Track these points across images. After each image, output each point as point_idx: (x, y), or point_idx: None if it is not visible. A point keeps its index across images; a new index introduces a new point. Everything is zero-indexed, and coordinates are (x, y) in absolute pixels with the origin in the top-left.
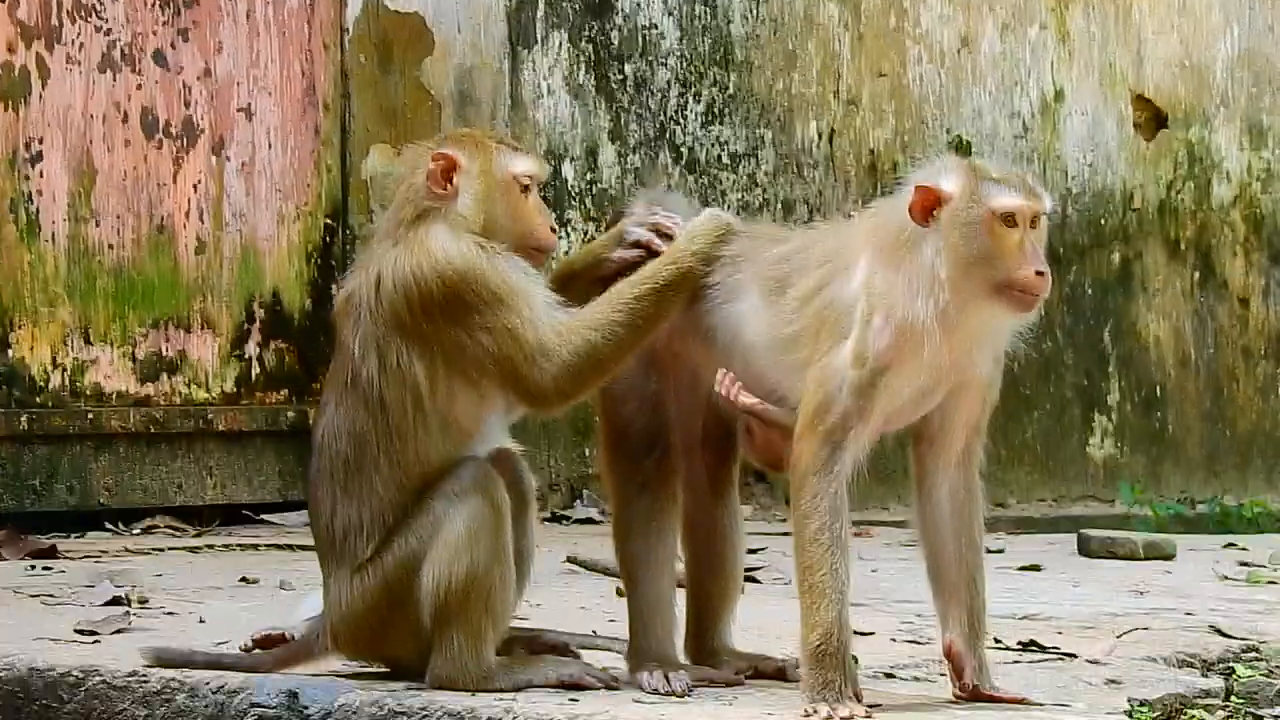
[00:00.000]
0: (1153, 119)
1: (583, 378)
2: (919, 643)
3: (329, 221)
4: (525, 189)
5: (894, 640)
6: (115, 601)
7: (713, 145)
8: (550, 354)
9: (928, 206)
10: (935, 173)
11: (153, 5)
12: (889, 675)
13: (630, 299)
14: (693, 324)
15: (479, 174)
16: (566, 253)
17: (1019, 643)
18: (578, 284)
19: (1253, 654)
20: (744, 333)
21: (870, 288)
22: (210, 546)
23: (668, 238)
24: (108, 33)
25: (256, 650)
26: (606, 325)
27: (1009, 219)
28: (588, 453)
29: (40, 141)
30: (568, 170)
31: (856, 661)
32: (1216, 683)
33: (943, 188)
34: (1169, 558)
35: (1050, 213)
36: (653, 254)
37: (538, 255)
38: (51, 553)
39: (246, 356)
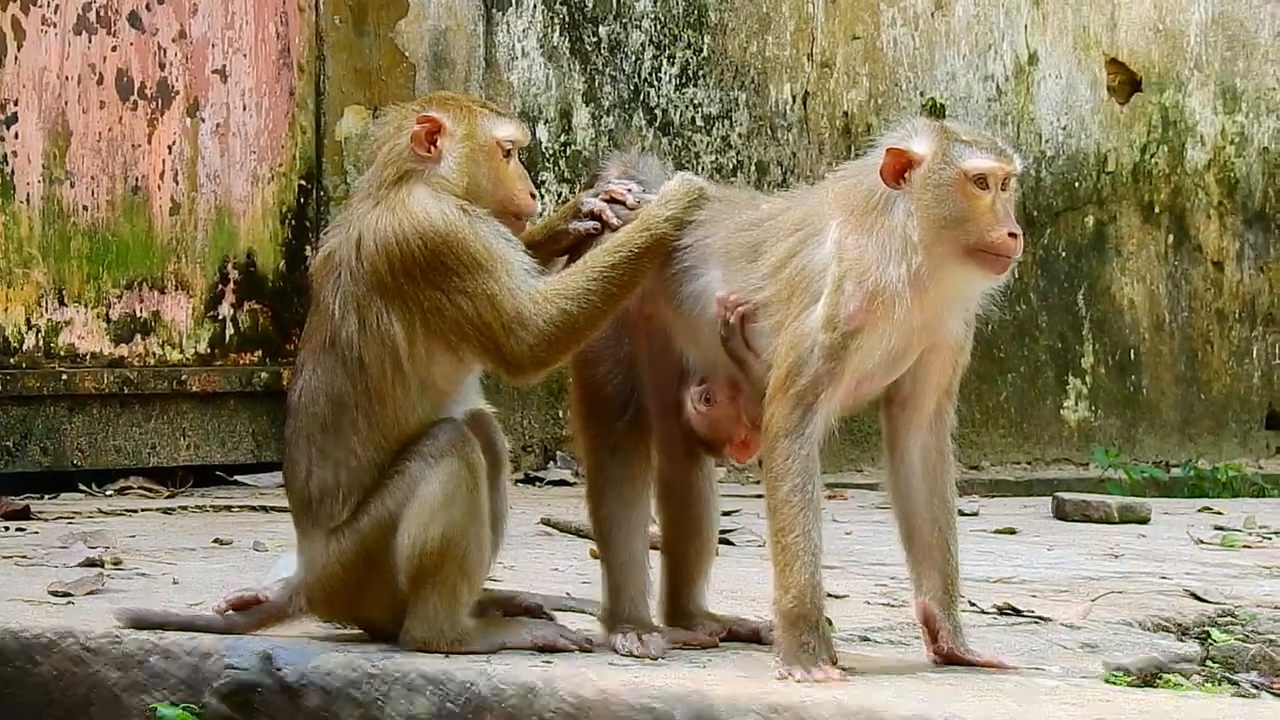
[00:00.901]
0: (1126, 82)
1: (559, 345)
2: (894, 605)
3: (303, 183)
4: (507, 154)
5: (868, 603)
6: (89, 563)
7: (687, 107)
8: (527, 323)
9: (899, 169)
10: (906, 135)
11: None
12: (864, 639)
13: (604, 266)
14: (665, 289)
15: (463, 138)
16: (542, 214)
17: (994, 606)
18: (539, 256)
19: (1228, 618)
20: (714, 300)
21: (842, 251)
22: (184, 508)
23: (623, 205)
24: None
25: (231, 612)
26: (581, 293)
27: (980, 180)
28: (561, 414)
29: (15, 103)
30: (542, 132)
31: (831, 624)
32: (1192, 647)
33: (914, 150)
34: (1144, 521)
35: (1021, 174)
36: (607, 225)
37: (517, 221)
38: (25, 514)
39: (220, 318)
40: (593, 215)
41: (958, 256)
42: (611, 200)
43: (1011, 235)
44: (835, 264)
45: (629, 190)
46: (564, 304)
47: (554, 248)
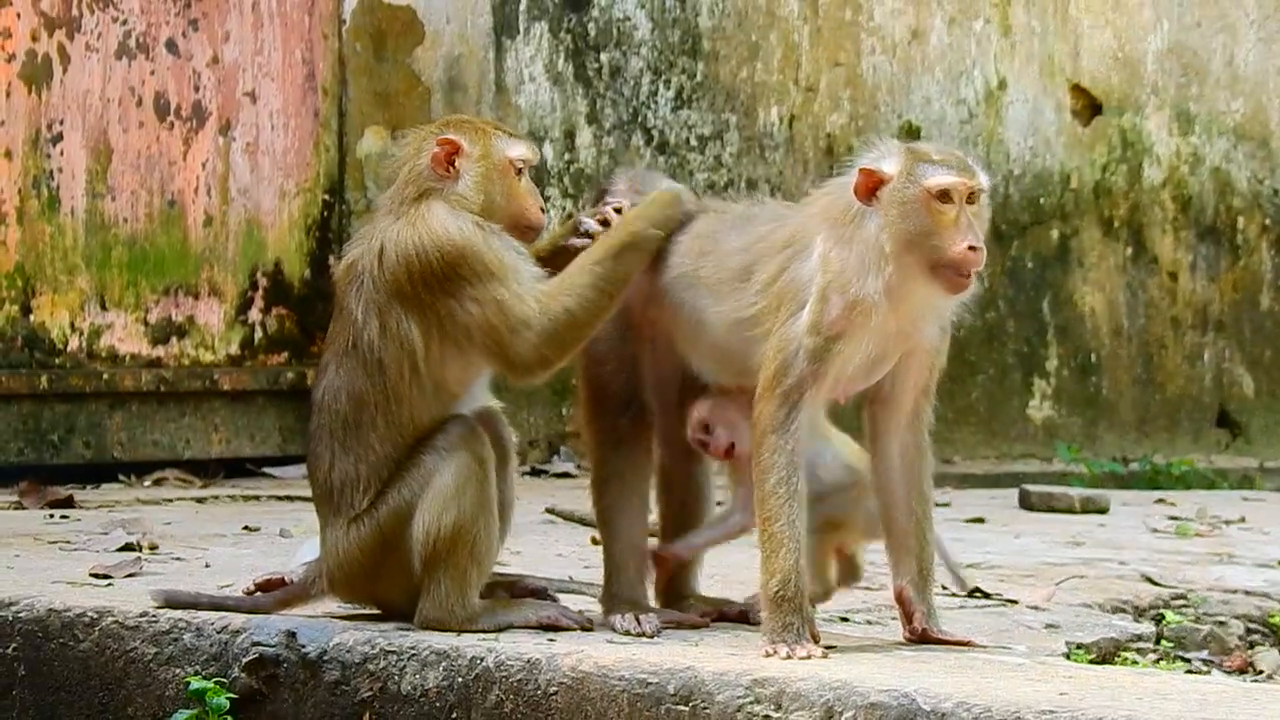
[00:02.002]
0: (1088, 107)
1: (562, 343)
2: (871, 589)
3: (327, 197)
4: (519, 172)
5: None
6: (127, 548)
7: (682, 128)
8: (532, 324)
9: (871, 187)
10: (878, 156)
11: None
12: (844, 619)
13: (593, 264)
14: (665, 299)
15: (479, 158)
16: (549, 227)
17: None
18: (544, 269)
19: (1181, 601)
20: (708, 314)
21: (826, 263)
22: (215, 497)
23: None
24: (124, 23)
25: (258, 593)
26: (578, 292)
27: (944, 196)
28: (565, 411)
29: (61, 123)
30: (548, 151)
31: (813, 606)
32: (1148, 628)
33: (883, 169)
34: (1103, 511)
35: (986, 189)
36: None
37: (529, 233)
38: (69, 503)
39: (250, 322)
40: (589, 235)
41: (923, 272)
42: (604, 222)
43: (971, 249)
44: (820, 274)
45: (618, 211)
46: (565, 301)
47: (557, 263)
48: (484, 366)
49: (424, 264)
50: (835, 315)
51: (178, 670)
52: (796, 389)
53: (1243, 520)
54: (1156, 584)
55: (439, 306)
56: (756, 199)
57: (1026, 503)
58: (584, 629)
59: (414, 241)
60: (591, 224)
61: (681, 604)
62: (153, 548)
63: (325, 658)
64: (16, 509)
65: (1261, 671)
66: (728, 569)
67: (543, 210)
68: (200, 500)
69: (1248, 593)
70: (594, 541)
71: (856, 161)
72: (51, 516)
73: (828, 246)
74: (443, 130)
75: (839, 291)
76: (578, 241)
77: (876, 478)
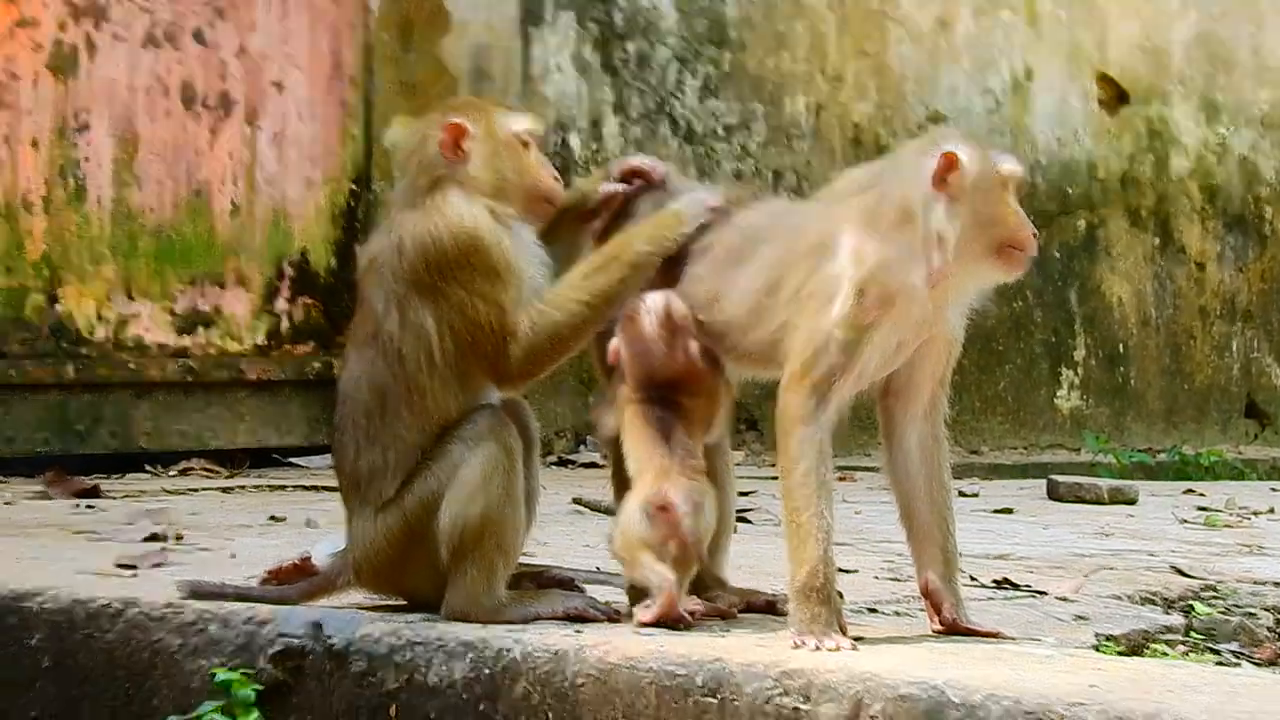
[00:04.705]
0: (1115, 96)
1: (545, 360)
2: (899, 580)
3: (353, 187)
4: (526, 145)
5: (876, 578)
6: (153, 538)
7: (709, 118)
8: (519, 337)
9: (946, 172)
10: (946, 141)
11: None
12: (872, 610)
13: (588, 282)
14: (690, 301)
15: (484, 137)
16: None
17: (993, 581)
18: (566, 219)
19: (1211, 593)
20: (736, 320)
21: (859, 257)
22: (241, 487)
23: (646, 179)
24: (151, 12)
25: (274, 582)
26: (568, 309)
27: (1010, 183)
28: (591, 401)
29: (88, 112)
30: (574, 141)
31: (841, 597)
32: (1177, 620)
33: (961, 155)
34: (1132, 502)
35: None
36: (630, 190)
37: (546, 206)
38: (95, 492)
39: (276, 311)
40: (624, 178)
41: (988, 255)
42: (635, 173)
43: (1033, 234)
44: (852, 269)
45: (652, 167)
46: (555, 317)
47: (579, 211)
48: (474, 367)
49: (439, 251)
50: (870, 306)
51: (203, 661)
52: (826, 380)
53: (1272, 511)
54: (1186, 575)
55: (451, 295)
56: (771, 199)
57: (1054, 493)
58: (611, 620)
59: (430, 230)
60: (611, 187)
61: (708, 594)
62: (178, 538)
63: (351, 649)
64: (42, 499)
65: None
66: (755, 559)
67: (556, 180)
68: (226, 490)
69: (1277, 584)
70: None
71: (901, 151)
72: (77, 506)
73: (860, 241)
74: (445, 115)
75: (876, 284)
76: (607, 187)
77: (894, 470)
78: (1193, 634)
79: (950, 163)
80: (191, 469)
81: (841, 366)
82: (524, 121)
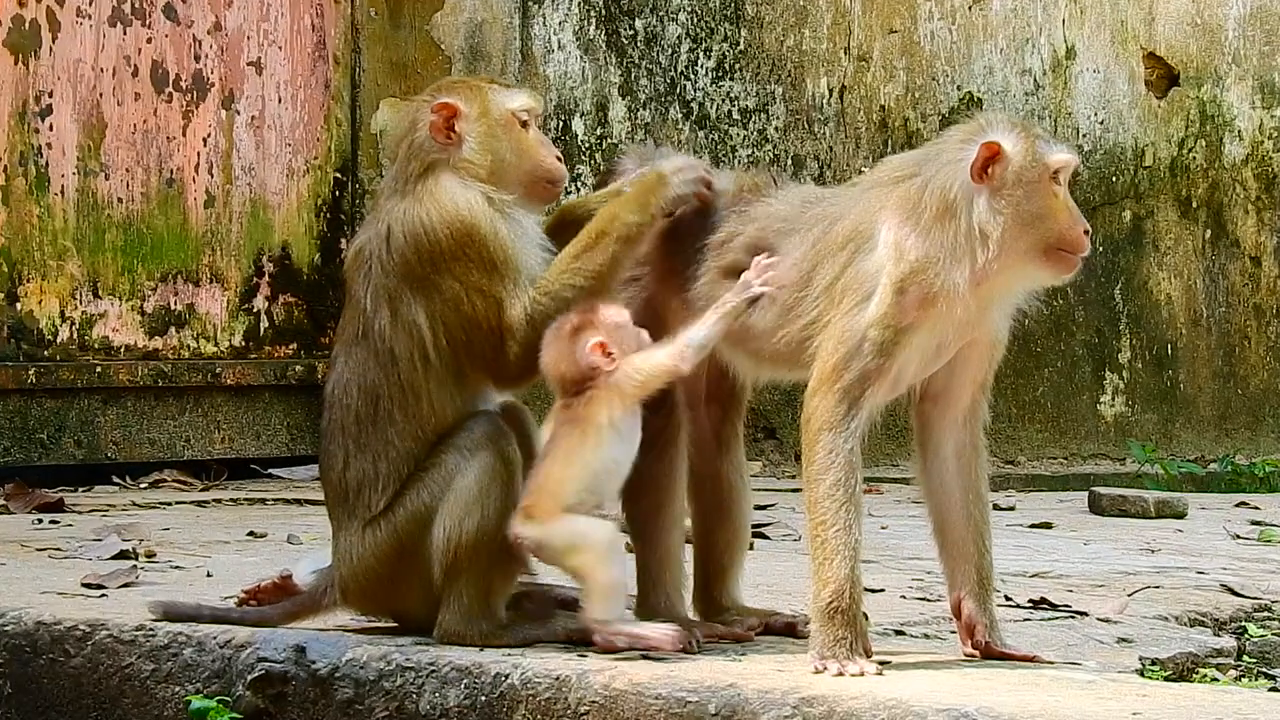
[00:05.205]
0: (1164, 77)
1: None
2: (929, 600)
3: (338, 175)
4: (524, 124)
5: (904, 597)
6: (122, 555)
7: (723, 101)
8: (518, 334)
9: (987, 163)
10: (981, 129)
11: None
12: (899, 632)
13: (575, 263)
14: (700, 303)
15: (478, 117)
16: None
17: (1030, 600)
18: (572, 230)
19: (1264, 613)
20: (759, 321)
21: (900, 253)
22: (218, 500)
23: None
24: None
25: (251, 602)
26: (563, 296)
27: (1058, 175)
28: None
29: (50, 95)
30: (578, 125)
31: (867, 618)
32: (1228, 642)
33: (1005, 144)
34: (1180, 516)
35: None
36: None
37: (550, 188)
38: (59, 506)
39: (255, 310)
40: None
41: (1035, 255)
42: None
43: (1085, 232)
44: (892, 265)
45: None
46: (550, 307)
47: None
48: (471, 367)
49: (432, 241)
50: (910, 306)
51: (177, 688)
52: (859, 384)
53: None
54: (1238, 594)
55: (445, 289)
56: (796, 186)
57: (1097, 506)
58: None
59: (422, 219)
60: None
61: (723, 616)
62: (150, 555)
63: (337, 675)
64: (3, 513)
65: None
66: (774, 577)
67: (559, 159)
68: (201, 504)
69: None
70: (627, 549)
71: (946, 138)
72: (40, 521)
73: (900, 235)
74: (436, 96)
75: (917, 282)
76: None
77: (928, 480)
78: (1245, 658)
79: (991, 153)
80: (163, 481)
81: (875, 370)
82: (521, 98)
